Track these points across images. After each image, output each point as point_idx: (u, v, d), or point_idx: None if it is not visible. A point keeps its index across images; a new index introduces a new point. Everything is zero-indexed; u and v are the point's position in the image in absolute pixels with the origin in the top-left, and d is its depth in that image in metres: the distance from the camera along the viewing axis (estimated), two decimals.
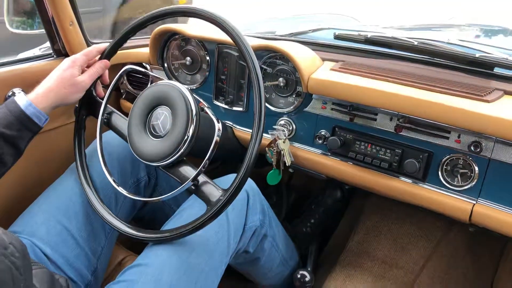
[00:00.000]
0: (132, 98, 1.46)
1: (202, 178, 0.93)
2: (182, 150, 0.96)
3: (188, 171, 0.95)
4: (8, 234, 0.75)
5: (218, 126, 0.95)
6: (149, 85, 1.30)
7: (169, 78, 1.33)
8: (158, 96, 1.02)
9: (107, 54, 1.09)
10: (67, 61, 1.01)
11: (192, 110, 0.98)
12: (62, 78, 0.98)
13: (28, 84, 1.02)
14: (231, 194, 0.86)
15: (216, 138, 0.93)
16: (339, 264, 1.36)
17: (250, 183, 1.11)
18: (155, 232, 0.92)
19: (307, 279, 1.01)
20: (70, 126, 1.27)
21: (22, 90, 0.98)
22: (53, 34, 1.25)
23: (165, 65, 1.34)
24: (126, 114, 1.06)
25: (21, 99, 0.91)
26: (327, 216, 1.56)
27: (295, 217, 1.62)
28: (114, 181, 1.01)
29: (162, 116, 1.01)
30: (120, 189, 1.00)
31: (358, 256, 1.38)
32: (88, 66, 1.06)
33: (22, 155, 0.94)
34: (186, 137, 0.96)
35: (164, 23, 1.26)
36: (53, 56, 1.28)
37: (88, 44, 1.36)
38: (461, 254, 1.39)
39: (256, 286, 1.32)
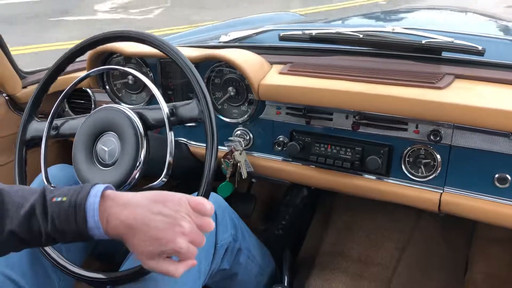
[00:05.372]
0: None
1: None
2: (136, 177, 0.91)
3: None
4: None
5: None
6: (92, 110, 1.24)
7: (113, 100, 1.26)
8: (102, 122, 0.96)
9: (45, 83, 1.01)
10: (170, 246, 0.66)
11: (140, 133, 0.93)
12: (145, 250, 0.68)
13: None
14: None
15: (169, 159, 0.89)
16: (315, 268, 1.33)
17: (216, 199, 1.06)
18: (112, 273, 0.85)
19: None
20: (11, 165, 1.18)
21: (107, 187, 0.69)
22: None
23: (107, 87, 1.26)
24: (71, 144, 0.99)
25: (93, 217, 0.66)
26: (297, 215, 1.53)
27: (265, 220, 1.59)
28: None
29: (109, 143, 0.95)
30: None
31: (333, 257, 1.35)
32: None
33: None
34: (138, 163, 0.91)
35: None
36: None
37: (21, 75, 1.26)
38: (435, 240, 1.40)
39: None
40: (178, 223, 0.66)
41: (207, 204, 0.69)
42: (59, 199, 0.67)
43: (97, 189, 0.67)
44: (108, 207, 0.67)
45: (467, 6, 1.80)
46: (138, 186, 0.92)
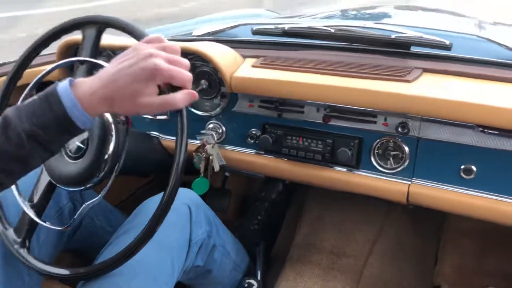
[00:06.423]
0: None
1: None
2: (105, 170, 0.90)
3: None
4: None
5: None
6: None
7: None
8: None
9: (13, 75, 0.98)
10: (147, 69, 0.67)
11: (110, 125, 0.91)
12: (131, 91, 0.67)
13: None
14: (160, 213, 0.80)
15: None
16: (288, 262, 1.34)
17: (190, 196, 1.05)
18: (79, 269, 0.84)
19: (254, 287, 0.99)
20: None
21: (70, 80, 0.68)
22: None
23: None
24: None
25: (67, 96, 0.66)
26: (273, 210, 1.54)
27: (240, 215, 1.59)
28: (35, 214, 0.92)
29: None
30: (41, 221, 0.91)
31: (306, 250, 1.36)
32: None
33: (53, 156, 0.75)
34: (106, 156, 0.90)
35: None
36: None
37: None
38: (405, 232, 1.42)
39: None
40: (141, 53, 0.67)
41: (155, 34, 0.73)
42: (29, 100, 0.67)
43: (64, 81, 0.68)
44: (80, 87, 0.67)
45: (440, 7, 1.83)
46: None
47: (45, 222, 0.92)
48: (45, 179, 0.93)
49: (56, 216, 1.03)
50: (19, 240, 0.89)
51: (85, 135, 0.93)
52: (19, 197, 0.91)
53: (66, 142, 0.72)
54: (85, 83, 0.67)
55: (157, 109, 0.70)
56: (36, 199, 0.93)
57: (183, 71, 0.70)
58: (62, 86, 0.66)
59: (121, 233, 0.96)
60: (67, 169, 0.92)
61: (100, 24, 0.89)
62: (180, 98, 0.71)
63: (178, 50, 0.72)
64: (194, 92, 0.73)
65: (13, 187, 0.91)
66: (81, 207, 0.90)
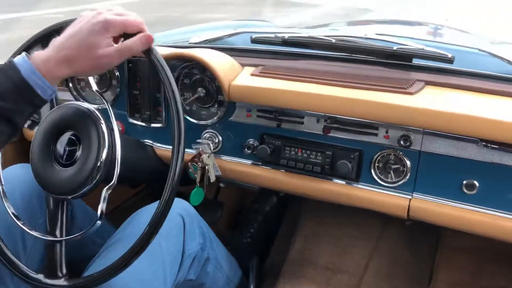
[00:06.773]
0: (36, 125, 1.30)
1: None
2: (97, 178, 0.86)
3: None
4: None
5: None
6: (53, 109, 1.18)
7: (76, 99, 1.21)
8: (62, 120, 0.91)
9: None
10: (99, 23, 0.71)
11: (102, 132, 0.88)
12: (87, 46, 0.71)
13: None
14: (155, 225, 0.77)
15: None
16: (282, 277, 1.31)
17: (184, 206, 1.02)
18: (73, 280, 0.81)
19: None
20: None
21: (26, 52, 0.71)
22: None
23: (70, 84, 1.21)
24: (29, 144, 0.93)
25: (24, 63, 0.68)
26: (266, 223, 1.51)
27: (232, 228, 1.56)
28: (22, 222, 0.88)
29: (69, 141, 0.90)
30: (28, 229, 0.87)
31: (301, 265, 1.33)
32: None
33: (18, 133, 0.73)
34: (99, 163, 0.86)
35: None
36: None
37: None
38: (401, 249, 1.40)
39: None
40: (90, 14, 0.73)
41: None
42: None
43: (21, 54, 0.70)
44: (35, 57, 0.69)
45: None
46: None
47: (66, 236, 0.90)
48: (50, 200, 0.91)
49: (44, 224, 0.99)
50: (48, 274, 0.86)
51: (75, 141, 0.90)
52: (34, 233, 0.88)
53: (29, 114, 0.71)
54: (40, 52, 0.70)
55: (117, 57, 0.74)
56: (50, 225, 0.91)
57: (133, 18, 0.74)
58: (18, 57, 0.69)
59: (112, 243, 0.93)
60: (57, 176, 0.88)
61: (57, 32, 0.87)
62: (135, 40, 0.74)
63: (123, 11, 0.76)
64: (150, 34, 0.76)
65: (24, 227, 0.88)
66: (102, 196, 0.85)
